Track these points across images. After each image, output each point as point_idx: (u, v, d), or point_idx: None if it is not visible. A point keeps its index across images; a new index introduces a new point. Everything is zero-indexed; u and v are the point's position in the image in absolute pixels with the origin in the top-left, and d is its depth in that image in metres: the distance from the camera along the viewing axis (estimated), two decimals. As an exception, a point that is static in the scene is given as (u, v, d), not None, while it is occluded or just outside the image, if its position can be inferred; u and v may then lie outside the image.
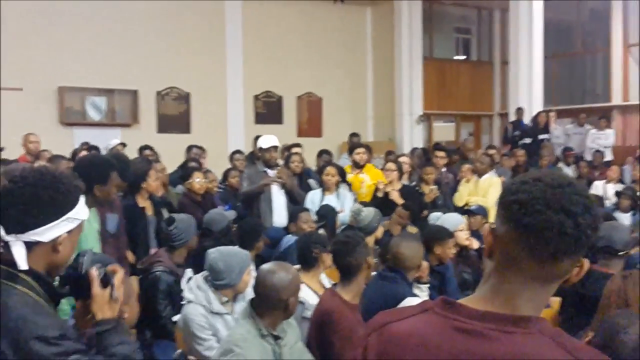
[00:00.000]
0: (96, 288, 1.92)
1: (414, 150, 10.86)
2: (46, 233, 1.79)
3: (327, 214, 5.87)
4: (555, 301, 4.14)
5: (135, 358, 1.92)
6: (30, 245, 1.79)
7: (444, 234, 4.73)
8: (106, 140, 9.07)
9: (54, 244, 1.82)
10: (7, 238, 1.76)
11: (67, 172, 2.64)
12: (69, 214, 1.83)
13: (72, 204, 1.85)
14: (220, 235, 5.01)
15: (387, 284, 3.81)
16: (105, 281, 1.95)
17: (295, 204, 6.31)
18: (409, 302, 3.51)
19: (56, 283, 1.92)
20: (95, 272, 1.92)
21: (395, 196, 6.76)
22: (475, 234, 5.85)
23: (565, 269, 1.27)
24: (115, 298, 1.95)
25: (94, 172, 3.70)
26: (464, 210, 6.72)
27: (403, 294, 3.67)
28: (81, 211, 1.89)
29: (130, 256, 5.03)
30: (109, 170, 3.73)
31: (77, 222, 1.87)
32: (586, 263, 1.30)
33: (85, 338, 1.89)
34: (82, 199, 1.91)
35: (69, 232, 1.85)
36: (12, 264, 1.76)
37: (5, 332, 1.66)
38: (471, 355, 1.24)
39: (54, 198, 1.80)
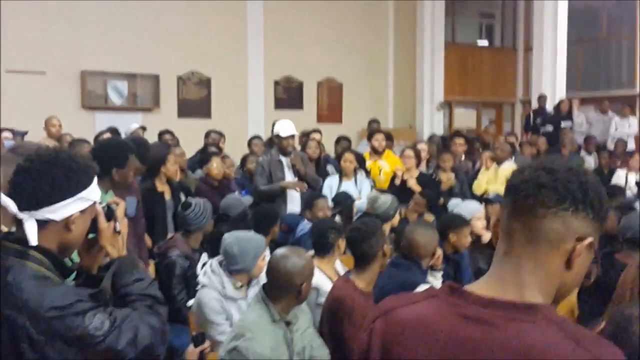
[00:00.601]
0: (102, 222, 1.97)
1: (432, 137, 10.79)
2: (59, 211, 1.82)
3: (343, 201, 5.87)
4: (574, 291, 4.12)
5: (150, 293, 1.95)
6: (42, 223, 1.81)
7: (460, 222, 4.69)
8: (127, 124, 9.12)
9: (66, 223, 1.84)
10: (21, 215, 1.80)
11: (82, 153, 2.66)
12: (82, 194, 1.86)
13: (85, 184, 1.87)
14: (237, 220, 5.03)
15: (401, 272, 3.80)
16: (109, 215, 1.99)
17: (310, 190, 6.32)
18: (423, 289, 3.51)
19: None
20: (99, 206, 1.96)
21: (413, 183, 6.74)
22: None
23: (555, 232, 1.24)
24: (118, 231, 2.00)
25: (112, 155, 3.71)
26: (482, 199, 6.68)
27: (416, 281, 3.67)
28: (94, 192, 1.91)
29: (148, 240, 5.07)
30: (127, 154, 3.74)
31: (90, 202, 1.90)
32: (591, 240, 1.26)
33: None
34: (95, 180, 1.93)
35: (82, 211, 1.87)
36: (23, 241, 1.80)
37: (22, 309, 1.70)
38: (476, 342, 1.24)
39: (67, 177, 1.83)
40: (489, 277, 1.34)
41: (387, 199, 5.43)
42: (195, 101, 12.39)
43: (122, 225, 2.03)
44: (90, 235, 1.98)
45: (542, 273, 1.27)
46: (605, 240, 4.10)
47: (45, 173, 1.81)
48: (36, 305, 1.70)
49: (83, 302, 1.76)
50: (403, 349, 1.33)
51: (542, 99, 12.30)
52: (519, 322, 1.22)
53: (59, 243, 1.86)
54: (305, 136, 8.47)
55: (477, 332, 1.24)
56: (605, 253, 3.92)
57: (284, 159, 6.41)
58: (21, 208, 1.80)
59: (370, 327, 1.41)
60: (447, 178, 7.29)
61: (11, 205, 1.79)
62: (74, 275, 1.99)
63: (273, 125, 7.19)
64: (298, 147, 7.43)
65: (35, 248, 1.80)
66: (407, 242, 3.91)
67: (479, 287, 1.32)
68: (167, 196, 5.41)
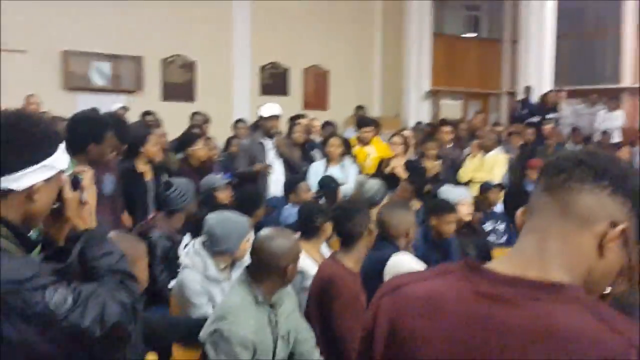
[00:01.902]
0: (67, 191, 1.81)
1: (418, 124, 10.72)
2: (21, 180, 1.66)
3: (327, 184, 5.75)
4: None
5: (120, 268, 1.79)
6: (4, 194, 1.67)
7: (442, 208, 4.60)
8: (110, 106, 8.93)
9: (29, 193, 1.69)
10: None
11: (47, 117, 2.42)
12: (46, 161, 1.70)
13: (49, 151, 1.72)
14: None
15: (375, 252, 3.66)
16: (75, 184, 1.84)
17: (294, 173, 6.23)
18: (396, 260, 3.46)
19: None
20: (64, 175, 1.81)
21: (400, 170, 6.66)
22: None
23: (587, 209, 1.13)
24: (84, 201, 1.84)
25: (89, 129, 3.53)
26: (482, 186, 6.56)
27: (388, 254, 3.55)
28: (60, 159, 1.76)
29: (127, 219, 4.95)
30: (105, 129, 3.57)
31: (55, 171, 1.74)
32: (625, 225, 1.13)
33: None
34: (62, 147, 1.78)
35: (46, 180, 1.72)
36: None
37: None
38: (495, 322, 1.12)
39: (29, 143, 1.68)
40: (511, 254, 1.22)
41: (374, 184, 5.32)
42: (180, 84, 12.23)
43: (90, 195, 1.86)
44: (55, 205, 1.82)
45: (571, 252, 1.15)
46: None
47: (5, 139, 1.66)
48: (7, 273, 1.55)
49: (43, 276, 1.60)
50: (411, 326, 1.21)
51: (528, 90, 12.27)
52: (544, 302, 1.10)
53: (23, 214, 1.71)
54: (291, 120, 8.35)
55: (495, 311, 1.12)
56: None
57: (265, 143, 6.33)
58: None
59: (377, 305, 1.29)
60: (431, 165, 7.19)
61: None
62: (39, 248, 1.86)
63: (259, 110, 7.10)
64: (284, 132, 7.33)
65: None
66: (379, 223, 3.77)
67: (499, 265, 1.20)
68: (148, 177, 5.28)
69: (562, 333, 1.07)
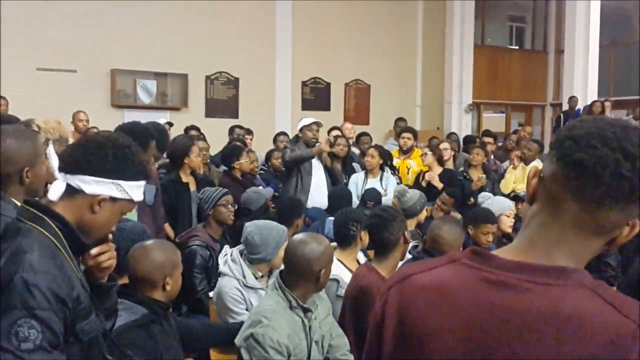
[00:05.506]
0: None
1: (450, 135, 10.63)
2: (91, 184, 1.77)
3: (374, 197, 5.78)
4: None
5: None
6: (71, 192, 1.78)
7: (481, 218, 4.56)
8: (155, 122, 9.14)
9: (92, 202, 1.79)
10: (58, 176, 1.78)
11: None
12: (121, 182, 1.81)
13: (129, 176, 1.84)
14: (259, 214, 4.98)
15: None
16: None
17: (336, 184, 6.27)
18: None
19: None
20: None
21: (436, 181, 6.65)
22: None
23: (612, 223, 1.12)
24: None
25: (134, 139, 3.64)
26: (512, 197, 6.56)
27: None
28: (135, 190, 1.86)
29: (169, 230, 5.05)
30: (149, 139, 3.68)
31: (125, 196, 1.84)
32: (638, 224, 1.15)
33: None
34: (142, 183, 1.89)
35: (113, 199, 1.82)
36: (45, 209, 1.76)
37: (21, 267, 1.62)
38: (501, 308, 1.13)
39: (115, 159, 1.80)
40: (517, 242, 1.22)
41: (414, 194, 5.31)
42: (223, 101, 12.43)
43: None
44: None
45: (583, 249, 1.17)
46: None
47: (99, 146, 1.80)
48: (11, 265, 1.63)
49: (53, 313, 1.63)
50: (419, 315, 1.22)
51: (573, 100, 12.11)
52: (550, 286, 1.11)
53: (79, 221, 1.80)
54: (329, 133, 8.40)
55: (503, 297, 1.13)
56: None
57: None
58: (60, 169, 1.79)
59: (385, 296, 1.30)
60: (477, 176, 7.05)
61: (54, 160, 1.77)
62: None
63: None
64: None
65: (54, 217, 1.74)
66: (431, 237, 3.74)
67: (505, 252, 1.20)
68: (192, 187, 5.39)
69: (569, 317, 1.08)
